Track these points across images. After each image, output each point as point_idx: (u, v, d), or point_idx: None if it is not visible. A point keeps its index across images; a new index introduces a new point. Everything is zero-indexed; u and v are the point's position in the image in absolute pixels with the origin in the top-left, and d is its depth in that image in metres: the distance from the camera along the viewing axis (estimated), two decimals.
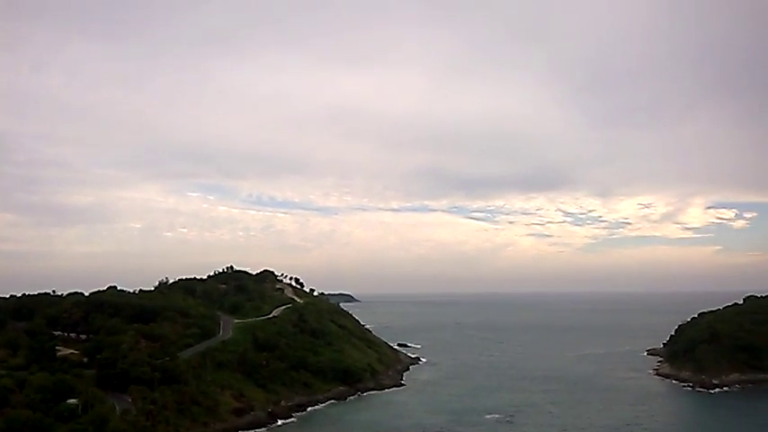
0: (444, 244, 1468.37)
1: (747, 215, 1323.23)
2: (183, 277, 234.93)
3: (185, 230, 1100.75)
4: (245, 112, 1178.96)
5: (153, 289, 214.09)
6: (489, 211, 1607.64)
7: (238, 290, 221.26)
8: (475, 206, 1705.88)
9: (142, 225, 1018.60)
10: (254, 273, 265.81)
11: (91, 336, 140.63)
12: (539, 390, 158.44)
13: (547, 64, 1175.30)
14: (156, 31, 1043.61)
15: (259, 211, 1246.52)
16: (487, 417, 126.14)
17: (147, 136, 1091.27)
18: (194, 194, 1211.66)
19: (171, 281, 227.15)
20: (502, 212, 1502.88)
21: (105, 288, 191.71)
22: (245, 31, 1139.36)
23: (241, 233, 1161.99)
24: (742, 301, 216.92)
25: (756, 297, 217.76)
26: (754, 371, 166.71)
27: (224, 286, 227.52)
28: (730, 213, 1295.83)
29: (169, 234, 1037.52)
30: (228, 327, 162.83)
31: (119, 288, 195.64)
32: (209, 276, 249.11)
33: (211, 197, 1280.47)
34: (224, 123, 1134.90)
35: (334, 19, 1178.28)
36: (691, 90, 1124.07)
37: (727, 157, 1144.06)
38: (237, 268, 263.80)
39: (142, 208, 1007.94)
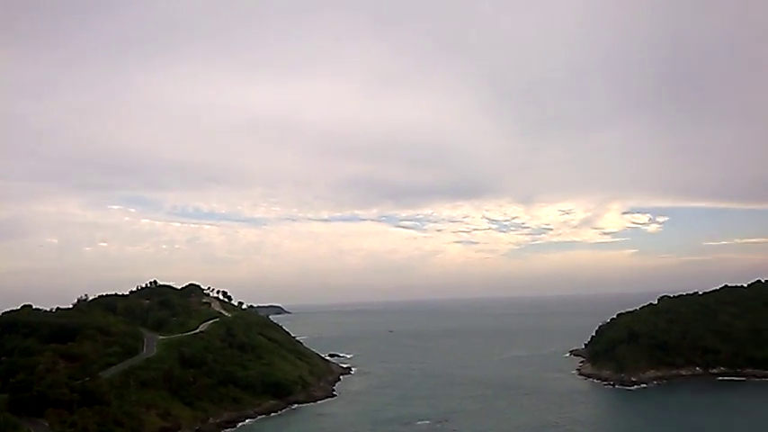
0: (375, 253, 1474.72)
1: (660, 219, 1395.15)
2: (104, 294, 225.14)
3: (106, 245, 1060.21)
4: (168, 121, 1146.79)
5: (71, 307, 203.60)
6: (418, 220, 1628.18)
7: (163, 305, 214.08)
8: (404, 215, 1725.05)
9: (59, 240, 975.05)
10: (180, 287, 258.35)
11: (3, 358, 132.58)
12: (468, 394, 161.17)
13: (471, 75, 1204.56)
14: (73, 37, 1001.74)
15: (184, 223, 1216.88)
16: (419, 423, 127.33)
17: (64, 147, 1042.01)
18: (115, 207, 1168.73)
19: (90, 298, 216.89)
20: (430, 220, 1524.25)
21: (19, 307, 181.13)
22: (167, 39, 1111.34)
23: (165, 246, 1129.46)
24: (656, 302, 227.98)
25: (669, 297, 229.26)
26: (668, 367, 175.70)
27: (147, 302, 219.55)
28: (644, 218, 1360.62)
29: (88, 249, 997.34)
30: (153, 344, 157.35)
31: (34, 307, 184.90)
32: (131, 292, 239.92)
33: (133, 209, 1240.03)
34: (146, 133, 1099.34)
35: (260, 28, 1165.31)
36: (607, 101, 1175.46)
37: (641, 164, 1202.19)
38: (162, 283, 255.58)
39: (59, 222, 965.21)
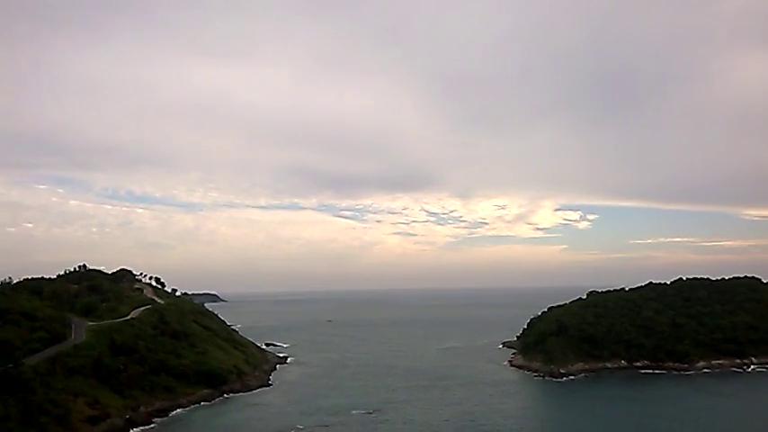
0: (314, 242, 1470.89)
1: (590, 217, 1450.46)
2: (29, 277, 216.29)
3: (31, 226, 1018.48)
4: (99, 100, 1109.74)
5: None
6: (358, 210, 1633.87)
7: (92, 290, 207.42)
8: (344, 205, 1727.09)
9: None
10: (110, 272, 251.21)
11: None
12: (402, 385, 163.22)
13: (411, 66, 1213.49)
14: None
15: (115, 205, 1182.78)
16: (353, 413, 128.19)
17: None
18: (42, 187, 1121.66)
19: (15, 281, 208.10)
20: (370, 211, 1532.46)
21: None
22: (99, 14, 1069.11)
23: (95, 229, 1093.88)
24: (585, 296, 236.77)
25: (597, 292, 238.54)
26: (595, 360, 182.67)
27: (76, 286, 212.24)
28: (575, 215, 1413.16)
29: (12, 230, 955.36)
30: (81, 330, 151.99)
31: None
32: (58, 276, 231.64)
33: (61, 190, 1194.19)
34: (75, 112, 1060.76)
35: (198, 10, 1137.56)
36: (541, 100, 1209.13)
37: (573, 163, 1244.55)
38: (91, 267, 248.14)
39: None
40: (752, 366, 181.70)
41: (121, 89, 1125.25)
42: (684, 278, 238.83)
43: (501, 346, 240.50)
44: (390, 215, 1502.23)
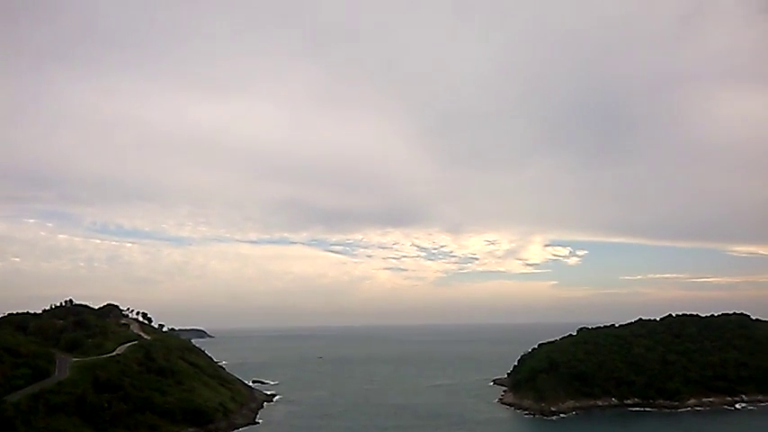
0: (304, 277, 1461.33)
1: (580, 253, 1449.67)
2: (14, 312, 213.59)
3: (18, 260, 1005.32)
4: (89, 134, 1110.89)
5: None
6: (348, 245, 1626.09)
7: (78, 325, 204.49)
8: (334, 239, 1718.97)
9: None
10: (97, 307, 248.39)
11: None
12: (392, 423, 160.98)
13: (402, 103, 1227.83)
14: None
15: (104, 240, 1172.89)
16: None
17: None
18: (30, 221, 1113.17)
19: (0, 316, 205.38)
20: (360, 246, 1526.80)
21: None
22: (90, 49, 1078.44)
23: (83, 264, 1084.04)
24: (576, 332, 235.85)
25: (588, 328, 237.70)
26: (586, 397, 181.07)
27: (61, 321, 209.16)
28: (565, 251, 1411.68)
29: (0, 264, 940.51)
30: (65, 366, 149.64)
31: None
32: (44, 311, 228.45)
33: (50, 224, 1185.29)
34: (66, 145, 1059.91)
35: (193, 45, 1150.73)
36: (530, 137, 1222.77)
37: (562, 199, 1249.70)
38: (78, 302, 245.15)
39: None
40: (742, 404, 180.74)
41: (114, 123, 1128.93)
42: (674, 314, 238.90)
43: (491, 384, 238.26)
44: (381, 250, 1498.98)
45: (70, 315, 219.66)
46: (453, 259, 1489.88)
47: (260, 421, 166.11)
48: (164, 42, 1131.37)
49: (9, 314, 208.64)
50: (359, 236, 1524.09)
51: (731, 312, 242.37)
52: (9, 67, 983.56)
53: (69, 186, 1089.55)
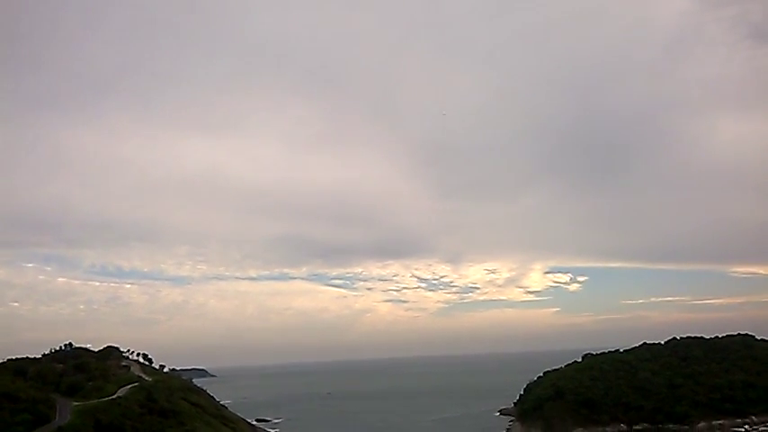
0: (305, 312, 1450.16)
1: (580, 279, 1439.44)
2: (13, 357, 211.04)
3: (17, 305, 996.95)
4: (87, 177, 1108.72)
5: None
6: (348, 278, 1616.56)
7: (78, 369, 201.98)
8: (334, 273, 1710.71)
9: None
10: (97, 349, 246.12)
11: None
12: None
13: (398, 137, 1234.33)
14: None
15: (103, 282, 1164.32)
16: None
17: None
18: (29, 265, 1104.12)
19: None
20: (360, 279, 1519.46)
21: None
22: (89, 93, 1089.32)
23: (82, 306, 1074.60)
24: (581, 359, 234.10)
25: (593, 354, 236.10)
26: (594, 424, 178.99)
27: (61, 365, 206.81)
28: (566, 278, 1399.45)
29: None
30: (66, 411, 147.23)
31: None
32: (44, 355, 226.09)
33: (49, 268, 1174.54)
34: (64, 189, 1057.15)
35: (187, 87, 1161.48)
36: (526, 167, 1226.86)
37: (561, 226, 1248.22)
38: (77, 345, 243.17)
39: None
40: (753, 425, 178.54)
41: (111, 166, 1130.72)
42: (678, 337, 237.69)
43: (498, 414, 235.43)
44: (381, 282, 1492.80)
45: (70, 359, 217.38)
46: (454, 289, 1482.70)
47: None
48: (157, 85, 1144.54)
49: (8, 359, 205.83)
50: (359, 269, 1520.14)
51: (735, 333, 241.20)
52: (6, 114, 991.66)
53: (68, 230, 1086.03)
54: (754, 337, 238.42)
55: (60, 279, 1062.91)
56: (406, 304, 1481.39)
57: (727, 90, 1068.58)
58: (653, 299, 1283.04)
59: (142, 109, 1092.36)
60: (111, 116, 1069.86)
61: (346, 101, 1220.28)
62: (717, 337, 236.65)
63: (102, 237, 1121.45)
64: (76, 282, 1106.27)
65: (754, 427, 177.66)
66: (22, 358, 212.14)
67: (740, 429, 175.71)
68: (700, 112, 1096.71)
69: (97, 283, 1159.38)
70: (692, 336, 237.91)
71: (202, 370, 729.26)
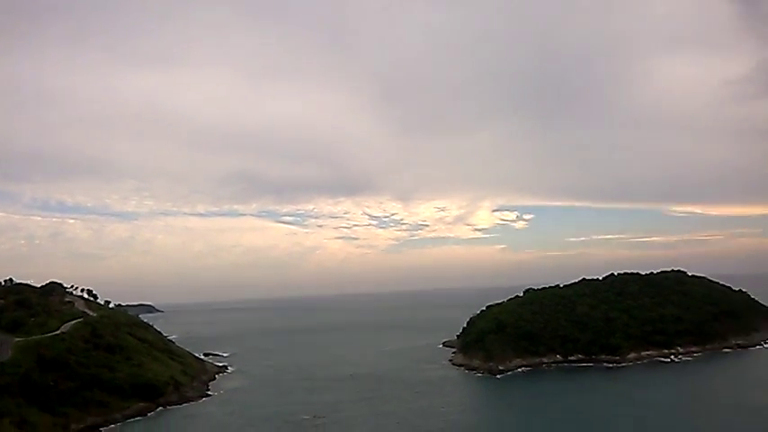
0: (254, 249, 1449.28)
1: (526, 217, 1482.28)
2: None
3: None
4: (26, 109, 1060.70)
5: None
6: (299, 215, 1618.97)
7: (19, 305, 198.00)
8: (285, 210, 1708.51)
9: None
10: (39, 285, 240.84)
11: None
12: (349, 388, 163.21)
13: (351, 72, 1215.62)
14: None
15: (45, 217, 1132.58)
16: (299, 419, 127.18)
17: None
18: None
19: None
20: (311, 216, 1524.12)
21: None
22: (19, 23, 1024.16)
23: (23, 242, 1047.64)
24: (522, 294, 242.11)
25: (534, 289, 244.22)
26: (532, 356, 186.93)
27: (2, 301, 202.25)
28: (512, 215, 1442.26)
29: None
30: (7, 347, 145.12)
31: None
32: None
33: None
34: (1, 120, 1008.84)
35: (130, 16, 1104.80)
36: (479, 105, 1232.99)
37: (509, 165, 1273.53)
38: (18, 281, 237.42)
39: None
40: (678, 356, 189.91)
41: (48, 95, 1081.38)
42: (616, 273, 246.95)
43: (441, 346, 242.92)
44: (332, 219, 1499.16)
45: (11, 294, 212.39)
46: (404, 226, 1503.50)
47: (212, 393, 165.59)
48: (97, 13, 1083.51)
49: None
50: (310, 206, 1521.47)
51: (669, 270, 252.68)
52: None
53: (5, 162, 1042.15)
54: (686, 273, 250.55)
55: None
56: (356, 241, 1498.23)
57: (678, 30, 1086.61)
58: (595, 237, 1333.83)
59: (79, 38, 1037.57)
60: (47, 46, 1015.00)
61: (301, 35, 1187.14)
62: (652, 273, 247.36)
63: (43, 170, 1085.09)
64: (16, 216, 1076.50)
65: (679, 356, 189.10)
66: None
67: (666, 359, 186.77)
68: (654, 50, 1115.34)
69: (38, 218, 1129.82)
70: (629, 272, 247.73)
71: (149, 306, 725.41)
